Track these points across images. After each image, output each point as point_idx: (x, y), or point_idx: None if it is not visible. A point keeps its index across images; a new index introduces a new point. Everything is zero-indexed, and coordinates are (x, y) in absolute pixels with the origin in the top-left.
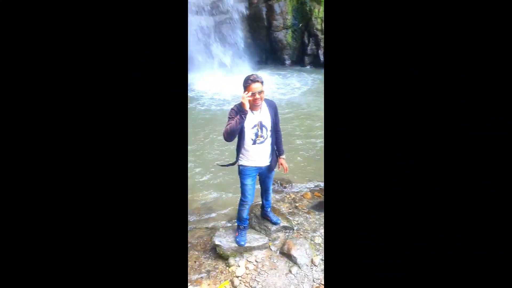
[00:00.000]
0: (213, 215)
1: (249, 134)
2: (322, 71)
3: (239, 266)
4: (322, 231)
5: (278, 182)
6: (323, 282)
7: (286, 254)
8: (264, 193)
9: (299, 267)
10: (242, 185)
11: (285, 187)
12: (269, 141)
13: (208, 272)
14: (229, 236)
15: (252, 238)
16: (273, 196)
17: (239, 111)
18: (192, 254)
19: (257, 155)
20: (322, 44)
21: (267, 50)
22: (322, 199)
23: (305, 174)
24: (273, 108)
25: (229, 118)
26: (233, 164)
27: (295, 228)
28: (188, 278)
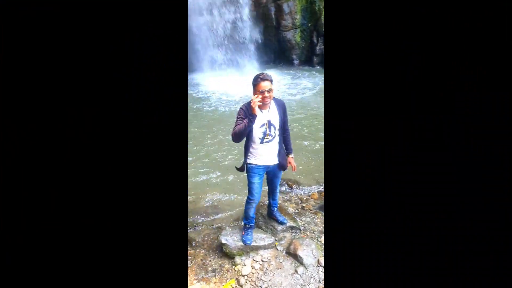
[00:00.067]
0: (220, 215)
1: (257, 133)
2: None
3: (245, 265)
4: None
5: (285, 182)
6: None
7: (292, 254)
8: (271, 192)
9: (305, 267)
10: (250, 183)
11: (292, 188)
12: (277, 140)
13: (214, 270)
14: (236, 235)
15: (259, 237)
16: (280, 196)
17: (248, 113)
18: (198, 252)
19: (265, 153)
20: None
21: (275, 50)
22: None
23: (313, 175)
24: (282, 107)
25: (237, 118)
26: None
27: (301, 228)
28: (195, 276)
